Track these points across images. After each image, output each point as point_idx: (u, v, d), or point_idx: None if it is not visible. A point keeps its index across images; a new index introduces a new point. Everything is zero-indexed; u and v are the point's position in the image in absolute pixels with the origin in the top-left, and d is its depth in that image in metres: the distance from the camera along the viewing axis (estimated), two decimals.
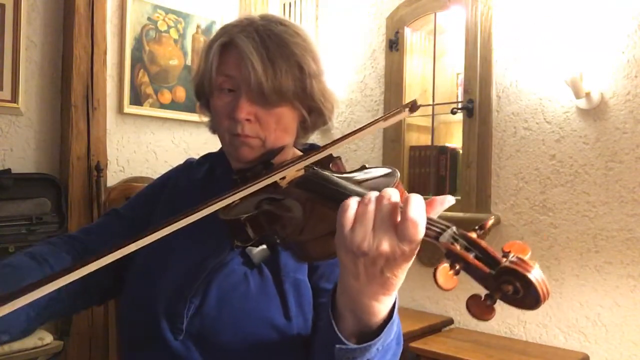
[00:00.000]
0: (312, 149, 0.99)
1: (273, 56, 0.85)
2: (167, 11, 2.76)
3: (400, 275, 0.61)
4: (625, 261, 2.08)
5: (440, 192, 2.66)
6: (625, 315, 2.07)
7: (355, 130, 0.75)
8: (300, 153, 0.91)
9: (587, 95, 2.14)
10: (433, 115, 2.73)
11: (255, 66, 0.84)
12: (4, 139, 2.28)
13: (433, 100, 2.72)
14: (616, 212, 2.10)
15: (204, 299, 0.83)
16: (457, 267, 0.53)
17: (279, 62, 0.85)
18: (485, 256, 0.54)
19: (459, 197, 2.51)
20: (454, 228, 0.56)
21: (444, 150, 2.68)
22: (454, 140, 2.77)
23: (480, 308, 0.52)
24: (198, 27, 2.88)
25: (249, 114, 0.86)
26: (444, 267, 0.53)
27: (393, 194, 0.59)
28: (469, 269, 0.53)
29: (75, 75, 2.35)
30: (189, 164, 1.07)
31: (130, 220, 0.99)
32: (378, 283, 0.61)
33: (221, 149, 1.02)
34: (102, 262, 0.59)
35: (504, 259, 0.52)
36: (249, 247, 0.84)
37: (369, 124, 0.75)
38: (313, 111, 0.93)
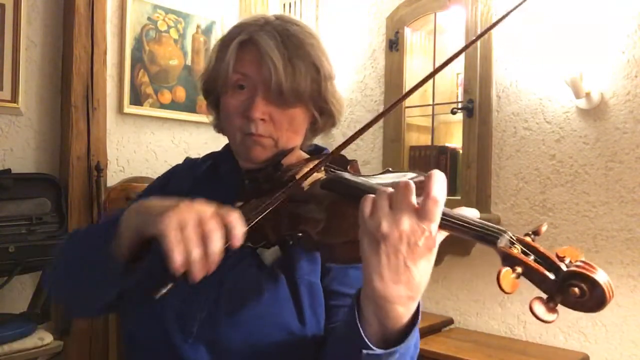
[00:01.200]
0: (318, 150, 0.99)
1: (292, 56, 0.85)
2: (167, 11, 2.76)
3: (423, 271, 0.60)
4: (625, 261, 2.08)
5: None
6: (625, 315, 2.07)
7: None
8: (306, 155, 0.91)
9: (587, 95, 2.14)
10: (433, 115, 2.73)
11: (276, 65, 0.83)
12: (4, 139, 2.28)
13: (433, 100, 2.72)
14: (616, 212, 2.10)
15: (215, 301, 0.81)
16: (518, 270, 0.53)
17: (297, 63, 0.85)
18: (545, 260, 0.54)
19: (459, 197, 2.51)
20: (510, 233, 0.56)
21: (444, 150, 2.68)
22: (454, 140, 2.77)
23: (545, 309, 0.52)
24: (198, 27, 2.88)
25: (264, 113, 0.86)
26: (506, 270, 0.52)
27: (408, 178, 0.60)
28: (529, 272, 0.53)
29: (75, 75, 2.35)
30: (189, 162, 1.06)
31: None
32: (402, 281, 0.59)
33: (224, 147, 1.01)
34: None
35: (562, 264, 0.53)
36: (261, 249, 0.82)
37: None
38: (324, 113, 0.93)
